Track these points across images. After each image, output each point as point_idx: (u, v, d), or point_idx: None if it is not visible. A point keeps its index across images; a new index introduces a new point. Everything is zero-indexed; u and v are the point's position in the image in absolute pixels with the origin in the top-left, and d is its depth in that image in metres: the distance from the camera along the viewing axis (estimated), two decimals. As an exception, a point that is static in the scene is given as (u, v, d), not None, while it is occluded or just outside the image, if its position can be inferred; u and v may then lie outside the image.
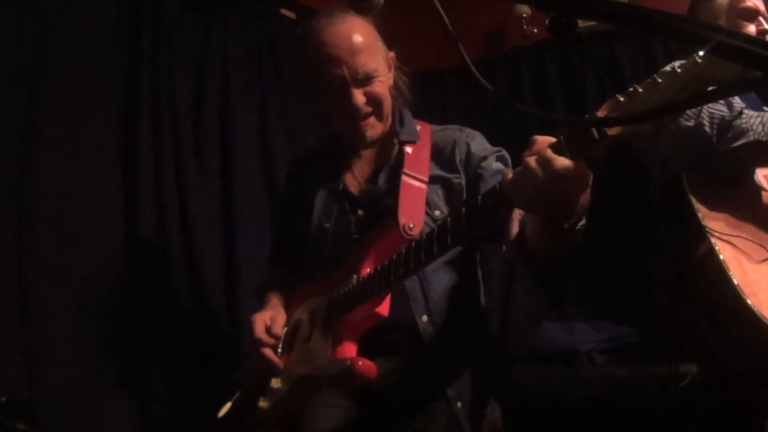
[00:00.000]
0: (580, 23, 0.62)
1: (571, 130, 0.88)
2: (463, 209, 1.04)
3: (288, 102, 2.59)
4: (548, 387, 2.12)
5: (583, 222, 1.01)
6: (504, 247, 1.24)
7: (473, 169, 1.38)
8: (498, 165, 1.37)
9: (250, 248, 2.19)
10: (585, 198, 0.96)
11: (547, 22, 0.62)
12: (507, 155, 1.43)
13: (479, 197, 1.01)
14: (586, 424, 1.98)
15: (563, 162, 0.86)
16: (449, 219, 1.07)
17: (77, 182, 1.81)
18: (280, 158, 2.44)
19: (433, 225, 1.30)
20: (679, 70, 0.75)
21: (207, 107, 2.25)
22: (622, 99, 0.82)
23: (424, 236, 1.12)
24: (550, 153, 0.88)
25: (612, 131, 0.83)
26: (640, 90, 0.80)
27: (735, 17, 1.63)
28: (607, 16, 0.60)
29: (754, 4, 1.63)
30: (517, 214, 1.21)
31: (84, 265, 1.78)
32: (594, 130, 0.84)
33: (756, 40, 0.54)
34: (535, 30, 3.20)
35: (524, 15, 3.16)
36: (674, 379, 1.64)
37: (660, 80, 0.78)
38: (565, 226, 0.98)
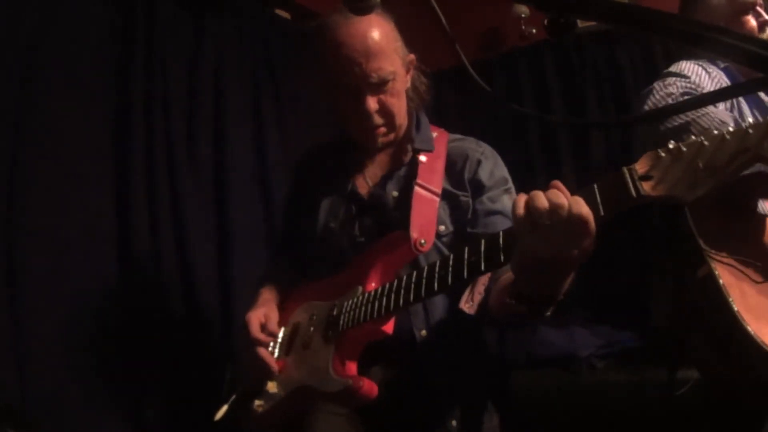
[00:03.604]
0: (580, 24, 0.61)
1: (605, 183, 0.82)
2: (482, 246, 0.99)
3: (283, 103, 2.57)
4: (547, 393, 2.11)
5: (551, 309, 0.98)
6: (463, 299, 1.18)
7: (474, 193, 1.35)
8: (499, 204, 1.32)
9: (244, 254, 2.17)
10: (568, 281, 0.92)
11: (545, 22, 0.61)
12: (514, 190, 1.38)
13: (500, 234, 0.96)
14: (585, 430, 1.97)
15: (590, 217, 0.80)
16: (467, 253, 1.02)
17: (69, 187, 1.78)
18: (274, 161, 2.43)
19: (436, 240, 1.29)
20: (728, 137, 0.71)
21: (200, 109, 2.22)
22: (663, 155, 0.77)
23: (438, 264, 1.07)
24: (582, 202, 0.81)
25: (653, 192, 0.78)
26: (684, 149, 0.75)
27: (733, 12, 1.61)
28: (606, 16, 0.59)
29: None
30: (485, 278, 1.17)
31: (76, 271, 1.76)
32: (632, 186, 0.79)
33: (756, 40, 0.52)
34: (534, 30, 3.20)
35: (523, 15, 3.16)
36: (674, 384, 1.63)
37: (707, 143, 0.73)
38: (533, 315, 0.96)
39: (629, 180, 0.80)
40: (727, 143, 0.72)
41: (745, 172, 1.26)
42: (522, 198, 0.85)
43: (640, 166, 0.79)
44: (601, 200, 0.82)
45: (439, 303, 1.30)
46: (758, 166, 1.27)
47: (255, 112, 2.45)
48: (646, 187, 0.78)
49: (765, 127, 0.69)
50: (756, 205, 1.38)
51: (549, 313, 0.98)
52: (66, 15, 1.84)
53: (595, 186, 0.83)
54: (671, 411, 1.76)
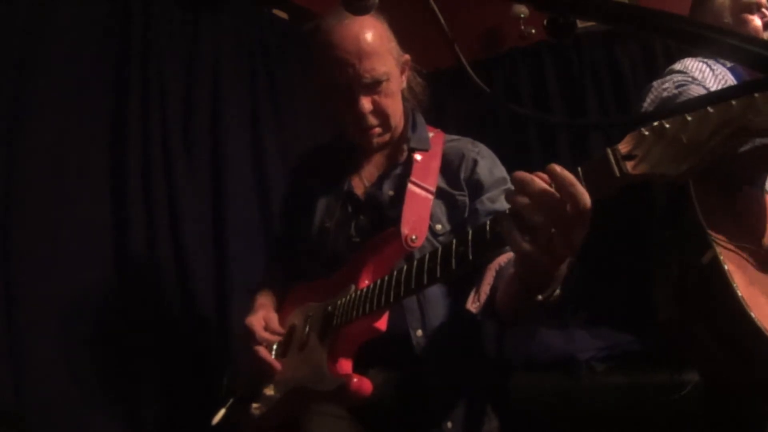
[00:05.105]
0: (579, 24, 0.60)
1: (589, 165, 0.82)
2: (470, 235, 0.98)
3: (280, 103, 2.57)
4: (547, 396, 2.10)
5: (557, 293, 0.97)
6: (470, 300, 1.18)
7: (472, 193, 1.35)
8: (498, 204, 1.32)
9: (241, 255, 2.16)
10: (564, 267, 0.91)
11: (545, 22, 0.60)
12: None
13: (488, 223, 0.95)
14: (585, 433, 1.96)
15: (587, 197, 0.79)
16: (455, 243, 1.01)
17: (65, 189, 1.78)
18: (271, 161, 2.42)
19: (432, 239, 1.29)
20: (711, 110, 0.70)
21: (197, 109, 2.22)
22: (647, 133, 0.76)
23: (427, 256, 1.07)
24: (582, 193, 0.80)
25: (635, 170, 0.77)
26: (667, 126, 0.74)
27: (738, 12, 1.62)
28: (606, 16, 0.58)
29: None
30: (490, 277, 1.17)
31: (73, 273, 1.75)
32: (615, 167, 0.78)
33: (757, 41, 0.52)
34: (533, 31, 3.19)
35: (522, 15, 3.15)
36: (675, 387, 1.62)
37: (689, 119, 0.72)
38: (540, 297, 0.94)
39: (612, 160, 0.79)
40: (711, 116, 0.70)
41: (744, 148, 1.27)
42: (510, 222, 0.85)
43: (624, 146, 0.79)
44: (586, 183, 0.81)
45: (436, 302, 1.30)
46: (756, 141, 1.27)
47: (252, 111, 2.45)
48: (629, 166, 0.77)
49: (748, 98, 0.68)
50: (764, 182, 1.38)
51: (558, 291, 0.98)
52: (63, 13, 1.83)
53: (579, 169, 0.82)
54: (672, 414, 1.75)
